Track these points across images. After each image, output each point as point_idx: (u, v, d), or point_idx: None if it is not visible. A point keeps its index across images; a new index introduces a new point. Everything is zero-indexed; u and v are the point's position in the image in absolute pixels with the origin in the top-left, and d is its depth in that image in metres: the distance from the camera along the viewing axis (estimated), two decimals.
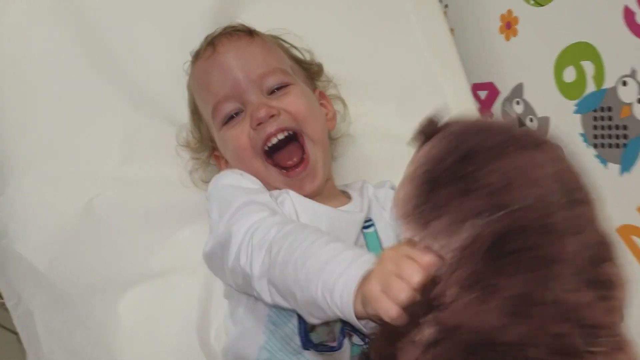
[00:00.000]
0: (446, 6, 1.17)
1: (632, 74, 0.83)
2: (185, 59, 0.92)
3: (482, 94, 1.13)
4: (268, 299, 0.61)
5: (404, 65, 1.06)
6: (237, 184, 0.76)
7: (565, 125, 0.96)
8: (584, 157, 0.90)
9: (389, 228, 0.79)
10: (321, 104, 0.86)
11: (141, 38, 0.92)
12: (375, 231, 0.78)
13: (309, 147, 0.77)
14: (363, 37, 1.04)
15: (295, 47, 0.90)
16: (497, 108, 1.11)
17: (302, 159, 0.77)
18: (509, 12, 1.04)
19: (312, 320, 0.58)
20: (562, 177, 0.48)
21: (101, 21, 0.91)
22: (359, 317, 0.50)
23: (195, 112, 0.85)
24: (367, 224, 0.79)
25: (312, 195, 0.77)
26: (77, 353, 0.80)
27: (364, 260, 0.51)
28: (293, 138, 0.77)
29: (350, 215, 0.77)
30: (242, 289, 0.69)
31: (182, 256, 0.85)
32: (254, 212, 0.66)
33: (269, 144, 0.76)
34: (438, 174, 0.48)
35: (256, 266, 0.61)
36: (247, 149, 0.76)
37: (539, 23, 0.98)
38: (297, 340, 0.65)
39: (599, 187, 0.89)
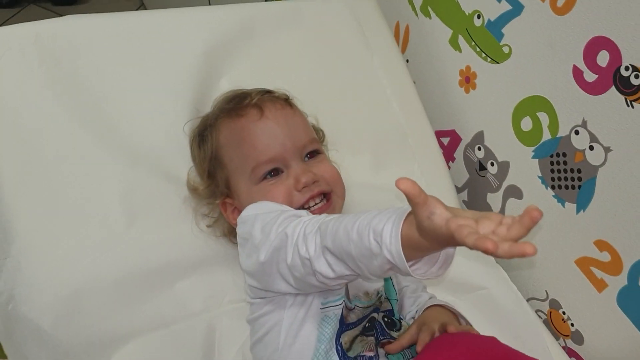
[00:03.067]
0: (407, 60, 1.27)
1: (584, 124, 0.95)
2: (177, 117, 0.98)
3: (445, 140, 1.23)
4: (330, 272, 0.65)
5: (374, 117, 1.15)
6: (278, 207, 0.81)
7: (525, 169, 1.07)
8: (544, 199, 1.02)
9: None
10: None
11: (134, 99, 0.96)
12: (390, 277, 0.86)
13: (334, 199, 0.88)
14: (336, 93, 1.12)
15: (306, 114, 0.97)
16: (459, 153, 1.21)
17: (324, 203, 0.86)
18: (468, 67, 1.15)
19: (370, 277, 0.64)
20: None
21: (95, 84, 0.95)
22: (408, 251, 0.56)
23: (215, 160, 0.90)
24: None
25: None
26: None
27: (404, 210, 0.58)
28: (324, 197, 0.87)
29: None
30: (301, 283, 0.72)
31: (183, 307, 0.89)
32: (302, 217, 0.73)
33: (307, 205, 0.84)
34: None
35: (312, 248, 0.66)
36: (288, 203, 0.83)
37: (496, 78, 1.09)
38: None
39: (559, 224, 1.00)
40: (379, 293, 0.81)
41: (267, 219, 0.75)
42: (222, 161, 0.89)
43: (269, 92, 0.92)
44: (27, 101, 0.90)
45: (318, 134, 0.98)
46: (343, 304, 0.76)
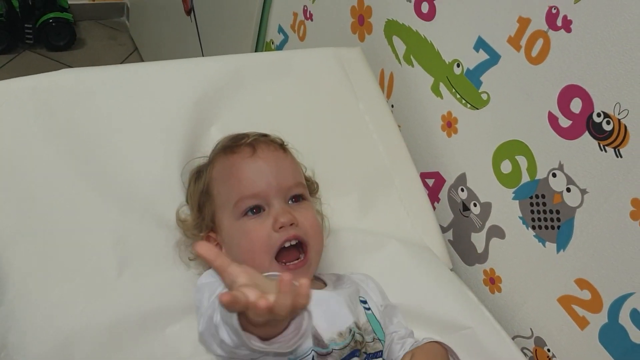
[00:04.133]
0: (392, 106, 1.31)
1: (560, 167, 0.99)
2: (168, 164, 1.01)
3: (430, 182, 1.27)
4: (229, 341, 0.68)
5: (360, 160, 1.18)
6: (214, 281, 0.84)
7: (506, 210, 1.11)
8: (525, 238, 1.05)
9: (377, 311, 0.91)
10: None
11: (127, 147, 1.00)
12: (372, 313, 0.90)
13: (311, 254, 0.89)
14: (323, 137, 1.16)
15: (302, 165, 1.01)
16: (444, 194, 1.25)
17: (301, 260, 0.88)
18: (449, 113, 1.19)
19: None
20: None
21: (90, 134, 0.98)
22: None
23: (205, 193, 0.93)
24: (366, 305, 0.90)
25: None
26: None
27: None
28: (298, 244, 0.89)
29: (340, 296, 0.87)
30: (230, 353, 0.74)
31: (173, 352, 0.90)
32: None
33: (283, 245, 0.87)
34: None
35: (218, 316, 0.70)
36: (264, 244, 0.86)
37: (476, 123, 1.14)
38: None
39: (541, 263, 1.03)
40: (351, 331, 0.82)
41: (214, 286, 0.79)
42: (211, 194, 0.93)
43: (265, 135, 0.96)
44: (23, 152, 0.93)
45: (311, 185, 1.01)
46: (312, 353, 0.78)
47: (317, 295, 0.83)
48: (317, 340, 0.80)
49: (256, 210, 0.88)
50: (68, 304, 0.86)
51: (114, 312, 0.88)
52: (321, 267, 1.03)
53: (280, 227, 0.85)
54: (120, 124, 1.02)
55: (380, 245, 1.09)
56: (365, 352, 0.82)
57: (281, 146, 0.95)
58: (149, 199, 0.98)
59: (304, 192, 0.92)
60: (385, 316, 0.94)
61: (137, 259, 0.93)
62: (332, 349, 0.79)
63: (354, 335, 0.82)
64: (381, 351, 0.84)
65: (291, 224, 0.86)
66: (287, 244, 0.86)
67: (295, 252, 0.88)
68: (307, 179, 1.01)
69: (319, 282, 0.95)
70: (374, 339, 0.85)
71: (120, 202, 0.96)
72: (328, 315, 0.82)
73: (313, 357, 0.78)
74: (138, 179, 0.99)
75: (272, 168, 0.90)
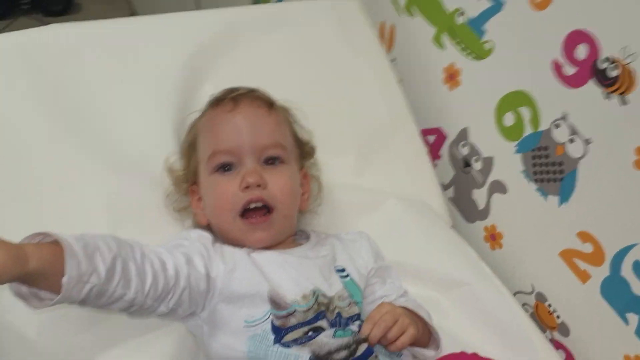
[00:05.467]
0: (393, 59, 1.27)
1: (564, 118, 0.96)
2: (160, 123, 0.98)
3: (431, 138, 1.24)
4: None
5: (359, 116, 1.15)
6: (180, 242, 0.82)
7: (508, 164, 1.08)
8: (527, 192, 1.03)
9: (356, 275, 0.87)
10: (301, 184, 0.94)
11: (118, 105, 0.97)
12: (352, 279, 0.86)
13: (275, 216, 0.85)
14: (321, 92, 1.12)
15: (299, 124, 0.97)
16: (445, 151, 1.22)
17: (265, 216, 0.85)
18: (451, 65, 1.16)
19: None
20: None
21: (80, 91, 0.95)
22: None
23: (192, 145, 0.91)
24: (344, 274, 0.87)
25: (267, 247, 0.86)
26: None
27: None
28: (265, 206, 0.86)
29: (311, 261, 0.85)
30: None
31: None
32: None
33: (248, 206, 0.84)
34: None
35: None
36: (228, 202, 0.84)
37: (479, 75, 1.11)
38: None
39: (543, 217, 1.01)
40: (315, 293, 0.79)
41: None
42: (195, 147, 0.91)
43: (253, 90, 0.92)
44: (11, 111, 0.91)
45: (304, 149, 0.96)
46: (270, 316, 0.75)
47: (283, 257, 0.83)
48: (277, 303, 0.76)
49: (229, 167, 0.86)
50: None
51: None
52: (317, 224, 1.01)
53: (247, 187, 0.83)
54: (110, 80, 0.98)
55: (378, 203, 1.06)
56: (337, 316, 0.79)
57: (267, 104, 0.90)
58: (141, 157, 0.95)
59: (281, 154, 0.88)
60: (378, 278, 0.91)
61: (129, 219, 0.90)
62: (295, 309, 0.77)
63: (317, 297, 0.78)
64: (358, 314, 0.81)
65: (258, 186, 0.83)
66: (252, 205, 0.83)
67: (262, 213, 0.85)
68: (301, 142, 0.97)
69: (300, 238, 0.93)
70: (349, 303, 0.82)
71: (112, 161, 0.93)
72: (293, 277, 0.80)
73: (272, 321, 0.76)
74: (129, 137, 0.96)
75: (249, 125, 0.86)
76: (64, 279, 0.61)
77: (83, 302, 0.66)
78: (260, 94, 0.92)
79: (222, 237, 0.87)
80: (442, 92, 1.19)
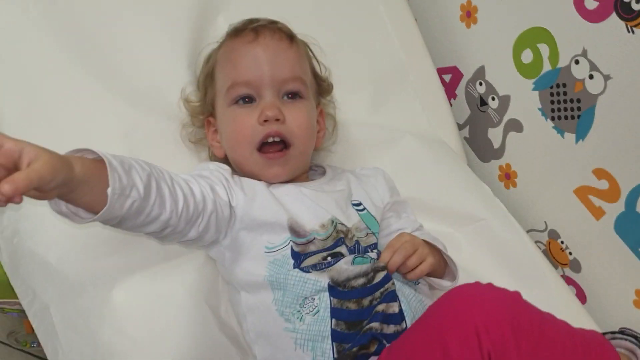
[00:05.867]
0: None
1: (584, 53, 0.94)
2: (174, 54, 0.97)
3: (447, 77, 1.22)
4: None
5: (374, 53, 1.14)
6: (200, 172, 0.83)
7: (525, 102, 1.07)
8: (543, 130, 1.02)
9: (373, 208, 0.88)
10: (317, 121, 0.93)
11: (131, 37, 0.96)
12: (368, 212, 0.87)
13: (291, 152, 0.85)
14: (336, 29, 1.11)
15: (318, 61, 0.96)
16: (461, 90, 1.21)
17: (281, 151, 0.84)
18: (469, 1, 1.13)
19: None
20: None
21: (92, 22, 0.95)
22: None
23: (209, 76, 0.90)
24: (360, 207, 0.88)
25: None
26: (94, 339, 0.82)
27: None
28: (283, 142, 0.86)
29: (327, 194, 0.86)
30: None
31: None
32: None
33: (266, 140, 0.84)
34: None
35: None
36: (247, 135, 0.84)
37: (496, 11, 1.08)
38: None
39: (558, 155, 1.01)
40: (333, 222, 0.80)
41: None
42: (213, 78, 0.90)
43: (274, 22, 0.91)
44: (23, 42, 0.90)
45: (322, 85, 0.95)
46: (290, 243, 0.77)
47: (299, 189, 0.84)
48: (296, 231, 0.78)
49: (248, 99, 0.85)
50: None
51: None
52: (332, 161, 1.02)
53: (265, 121, 0.82)
54: (124, 11, 0.97)
55: (394, 140, 1.07)
56: (356, 243, 0.81)
57: (288, 36, 0.88)
58: (157, 88, 0.95)
59: (301, 88, 0.86)
60: (393, 212, 0.92)
61: (146, 150, 0.89)
62: (314, 237, 0.78)
63: (335, 226, 0.80)
64: (375, 243, 0.83)
65: (277, 120, 0.82)
66: (270, 140, 0.83)
67: (279, 148, 0.85)
68: (320, 78, 0.96)
69: (315, 174, 0.94)
70: (367, 234, 0.83)
71: (127, 91, 0.93)
72: (310, 208, 0.81)
73: (292, 247, 0.77)
74: (144, 68, 0.95)
75: (269, 57, 0.84)
76: (109, 190, 0.61)
77: (123, 220, 0.66)
78: (282, 25, 0.90)
79: (238, 169, 0.87)
80: (459, 29, 1.16)
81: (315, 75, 0.95)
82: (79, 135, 0.88)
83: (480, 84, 1.16)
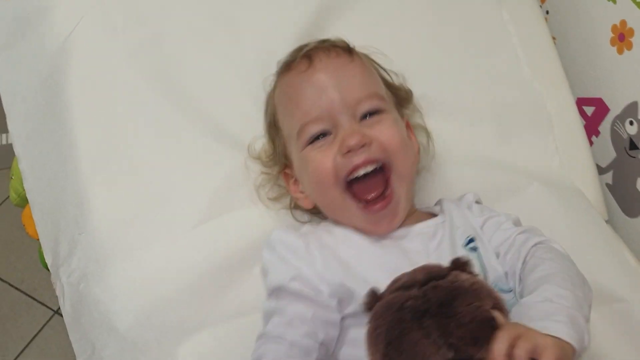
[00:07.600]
0: (547, 12, 1.12)
1: None
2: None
3: (589, 110, 1.08)
4: None
5: (500, 80, 1.01)
6: (284, 256, 0.73)
7: None
8: None
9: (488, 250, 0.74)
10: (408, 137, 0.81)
11: (214, 66, 0.91)
12: (479, 254, 0.73)
13: (394, 182, 0.73)
14: (456, 50, 1.00)
15: (385, 70, 0.85)
16: (605, 127, 1.05)
17: (385, 195, 0.73)
18: (623, 23, 0.98)
19: None
20: None
21: (174, 51, 0.91)
22: None
23: (273, 125, 0.82)
24: (472, 245, 0.74)
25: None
26: None
27: None
28: (379, 170, 0.73)
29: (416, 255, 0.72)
30: None
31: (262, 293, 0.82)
32: (286, 321, 0.68)
33: (353, 176, 0.72)
34: None
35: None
36: (330, 175, 0.72)
37: None
38: None
39: None
40: None
41: (273, 269, 0.72)
42: (278, 126, 0.80)
43: (325, 40, 0.80)
44: (107, 68, 0.88)
45: (400, 94, 0.84)
46: None
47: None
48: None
49: (323, 135, 0.74)
50: (152, 237, 0.81)
51: (200, 250, 0.81)
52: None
53: (348, 152, 0.71)
54: (212, 37, 0.91)
55: (518, 186, 0.93)
56: None
57: (346, 50, 0.77)
58: (241, 125, 0.88)
59: (379, 104, 0.75)
60: (494, 229, 0.76)
61: (224, 195, 0.84)
62: None
63: None
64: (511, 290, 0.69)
65: (363, 145, 0.70)
66: (361, 172, 0.71)
67: (377, 182, 0.72)
68: (394, 88, 0.84)
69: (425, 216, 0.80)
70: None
71: (212, 128, 0.88)
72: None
73: None
74: (227, 108, 0.89)
75: (333, 80, 0.73)
76: None
77: None
78: (335, 40, 0.79)
79: (333, 218, 0.77)
80: (608, 55, 1.01)
81: (389, 86, 0.83)
82: (156, 171, 0.86)
83: (632, 122, 1.00)
